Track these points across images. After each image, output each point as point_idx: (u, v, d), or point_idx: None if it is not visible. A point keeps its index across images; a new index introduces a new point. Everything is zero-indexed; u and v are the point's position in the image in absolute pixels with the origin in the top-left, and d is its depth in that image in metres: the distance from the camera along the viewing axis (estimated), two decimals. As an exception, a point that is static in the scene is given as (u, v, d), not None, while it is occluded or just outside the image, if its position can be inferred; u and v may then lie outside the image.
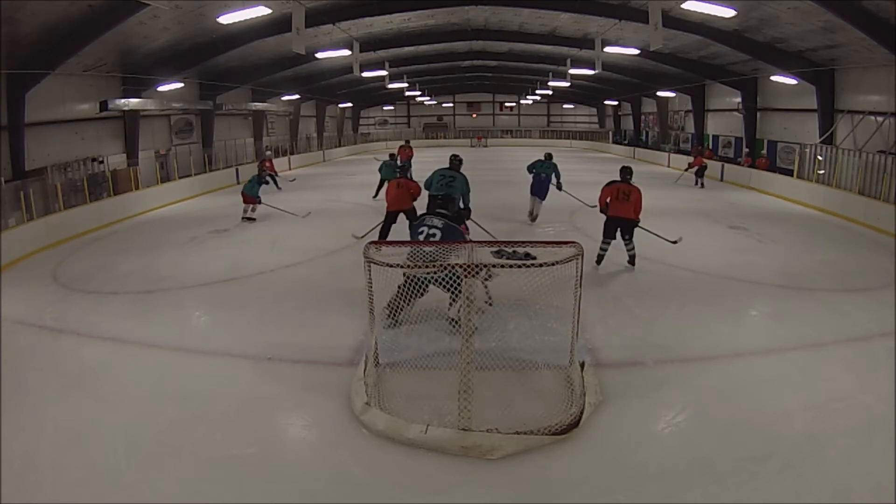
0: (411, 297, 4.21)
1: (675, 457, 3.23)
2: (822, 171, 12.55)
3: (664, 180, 17.17)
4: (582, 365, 4.11)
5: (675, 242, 7.45)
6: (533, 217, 10.09)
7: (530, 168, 9.97)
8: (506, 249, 4.55)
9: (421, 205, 6.59)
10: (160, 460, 3.27)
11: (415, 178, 16.52)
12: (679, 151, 22.24)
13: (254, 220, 10.64)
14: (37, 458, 3.31)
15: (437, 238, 4.79)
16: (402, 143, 17.86)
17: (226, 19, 10.05)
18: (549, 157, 10.07)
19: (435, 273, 3.92)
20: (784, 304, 5.81)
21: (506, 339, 4.55)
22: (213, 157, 17.95)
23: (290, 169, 22.12)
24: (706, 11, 9.96)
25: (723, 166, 17.11)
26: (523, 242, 4.35)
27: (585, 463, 3.20)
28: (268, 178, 13.11)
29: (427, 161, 19.11)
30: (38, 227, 9.28)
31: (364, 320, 4.33)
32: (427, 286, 4.25)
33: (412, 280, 4.11)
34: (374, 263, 3.74)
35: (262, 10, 9.55)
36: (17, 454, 3.32)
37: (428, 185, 6.61)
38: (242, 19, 10.03)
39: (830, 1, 9.24)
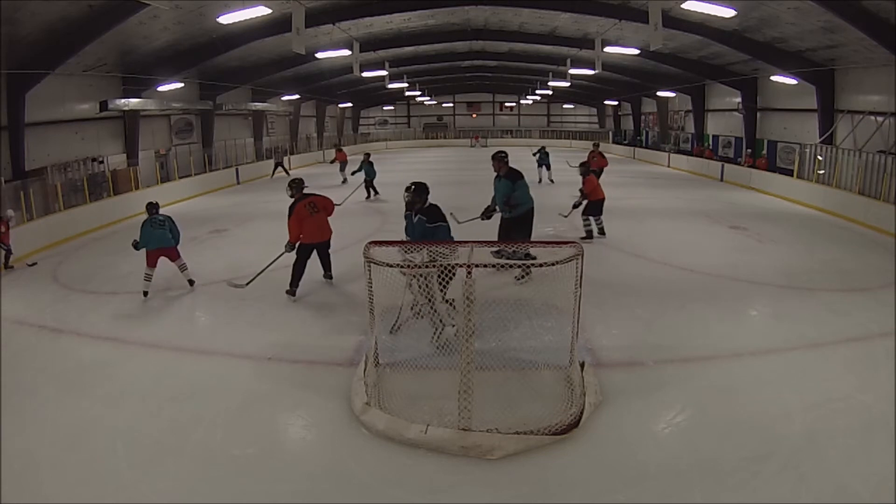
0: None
1: (675, 457, 3.23)
2: (822, 171, 12.55)
3: (664, 180, 17.24)
4: (582, 365, 4.11)
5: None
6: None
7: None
8: (506, 249, 4.56)
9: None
10: (160, 460, 3.28)
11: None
12: (679, 151, 22.23)
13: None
14: (37, 458, 3.31)
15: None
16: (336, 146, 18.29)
17: (226, 19, 10.05)
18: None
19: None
20: (784, 304, 5.81)
21: (506, 339, 4.55)
22: (213, 158, 17.96)
23: (289, 169, 22.11)
24: (706, 11, 9.96)
25: (723, 166, 17.12)
26: (523, 242, 4.36)
27: (585, 463, 3.20)
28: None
29: (430, 161, 19.17)
30: (38, 227, 9.28)
31: (364, 320, 4.33)
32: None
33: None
34: (374, 263, 3.74)
35: (262, 10, 9.54)
36: (17, 454, 3.32)
37: None
38: (242, 19, 10.02)
39: (830, 1, 9.24)
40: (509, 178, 6.46)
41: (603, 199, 8.57)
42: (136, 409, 3.85)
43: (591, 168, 11.70)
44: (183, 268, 6.64)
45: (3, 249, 7.84)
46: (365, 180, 13.27)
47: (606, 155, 12.40)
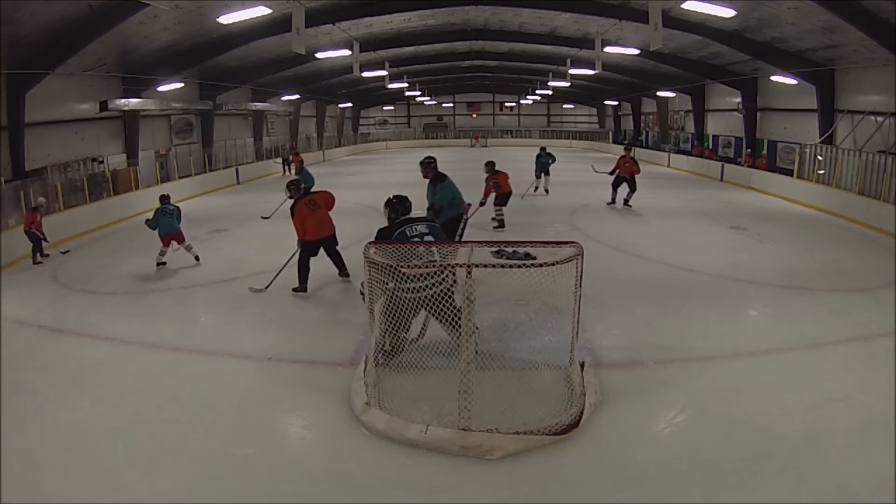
0: (407, 321, 4.01)
1: (675, 457, 3.23)
2: (822, 171, 12.55)
3: (664, 180, 17.24)
4: (582, 365, 4.11)
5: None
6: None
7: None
8: (506, 249, 4.55)
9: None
10: (160, 460, 3.27)
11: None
12: (679, 151, 22.22)
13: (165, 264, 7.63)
14: (37, 458, 3.31)
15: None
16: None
17: (226, 19, 10.05)
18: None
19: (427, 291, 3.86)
20: (784, 304, 5.81)
21: (506, 339, 4.55)
22: (213, 157, 17.96)
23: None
24: (706, 11, 9.96)
25: (723, 166, 17.13)
26: (523, 242, 4.35)
27: (585, 463, 3.20)
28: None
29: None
30: (39, 227, 9.26)
31: (364, 320, 4.32)
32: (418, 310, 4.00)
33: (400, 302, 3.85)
34: (374, 263, 3.74)
35: (262, 10, 9.54)
36: (17, 454, 3.32)
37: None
38: (242, 19, 10.03)
39: (830, 1, 9.24)
40: (432, 182, 6.18)
41: (510, 193, 9.66)
42: (136, 409, 3.84)
43: (621, 174, 11.68)
44: (189, 248, 7.80)
45: (39, 239, 8.27)
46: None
47: (617, 156, 12.44)
